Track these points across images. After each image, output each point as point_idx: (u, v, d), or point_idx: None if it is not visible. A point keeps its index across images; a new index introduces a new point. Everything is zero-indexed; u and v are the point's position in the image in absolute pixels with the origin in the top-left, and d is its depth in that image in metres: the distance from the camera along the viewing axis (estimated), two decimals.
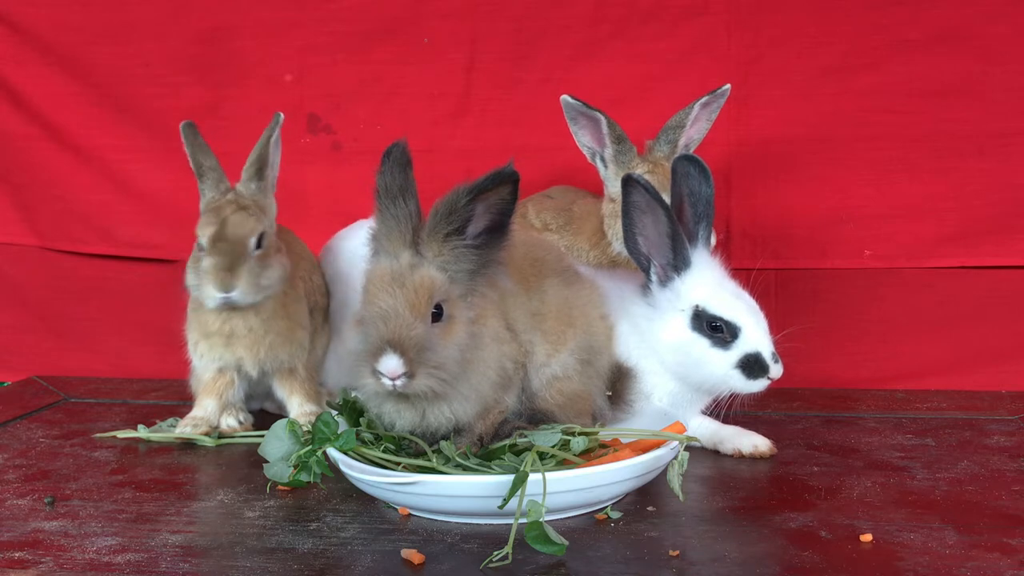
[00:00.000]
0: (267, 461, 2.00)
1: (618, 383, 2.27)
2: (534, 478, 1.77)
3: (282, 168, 2.56)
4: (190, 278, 2.42)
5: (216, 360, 2.51)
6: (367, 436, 2.03)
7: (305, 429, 2.01)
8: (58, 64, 3.27)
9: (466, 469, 1.92)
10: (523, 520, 1.73)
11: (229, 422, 2.56)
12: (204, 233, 2.38)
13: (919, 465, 2.22)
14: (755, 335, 2.24)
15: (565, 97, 2.54)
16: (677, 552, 1.74)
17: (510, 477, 1.78)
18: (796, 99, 3.01)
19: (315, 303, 2.68)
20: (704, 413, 2.40)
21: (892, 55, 2.96)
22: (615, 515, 1.92)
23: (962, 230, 2.97)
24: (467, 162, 3.02)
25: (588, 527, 1.88)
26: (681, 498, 1.89)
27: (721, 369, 2.25)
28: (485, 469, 1.91)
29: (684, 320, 2.28)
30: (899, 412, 2.69)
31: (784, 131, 3.02)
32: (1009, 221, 2.94)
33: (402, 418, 1.96)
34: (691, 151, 2.58)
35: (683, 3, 3.04)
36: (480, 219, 1.90)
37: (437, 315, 1.89)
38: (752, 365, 2.23)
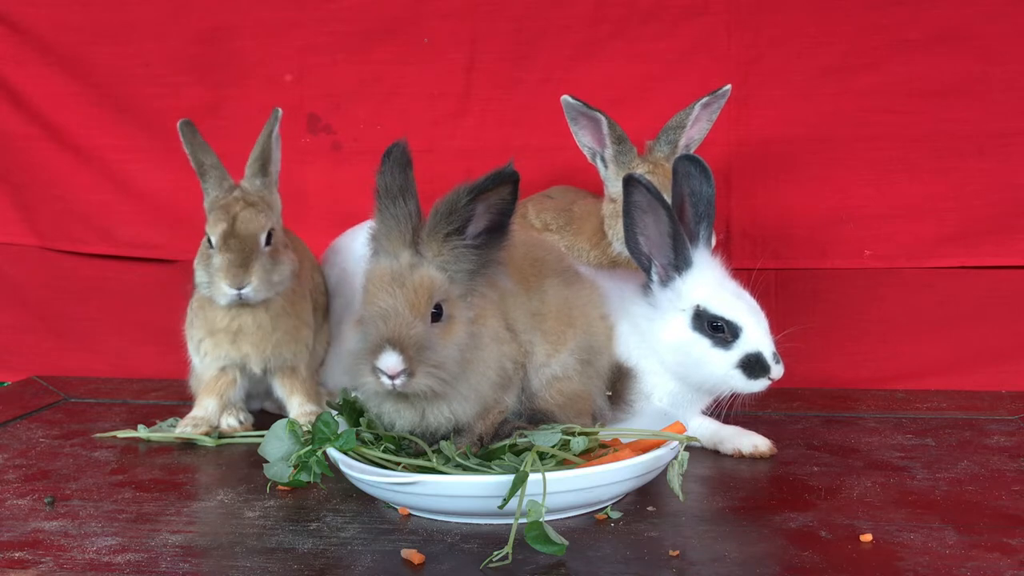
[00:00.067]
0: (267, 461, 2.00)
1: (618, 383, 2.27)
2: (534, 478, 1.77)
3: (282, 168, 2.56)
4: (200, 275, 2.42)
5: (220, 358, 2.51)
6: (367, 436, 2.03)
7: (305, 429, 2.01)
8: (58, 64, 3.27)
9: (466, 469, 1.92)
10: (523, 520, 1.73)
11: (229, 422, 2.56)
12: (215, 230, 2.38)
13: (919, 465, 2.22)
14: (756, 335, 2.24)
15: (566, 97, 2.54)
16: (677, 552, 1.74)
17: (510, 477, 1.78)
18: (796, 99, 3.01)
19: (316, 302, 2.69)
20: (704, 413, 2.40)
21: (892, 55, 2.96)
22: (615, 515, 1.92)
23: (962, 230, 2.97)
24: (467, 162, 3.03)
25: (588, 527, 1.88)
26: (681, 498, 1.89)
27: (722, 369, 2.25)
28: (485, 469, 1.91)
29: (685, 320, 2.28)
30: (899, 412, 2.69)
31: (784, 131, 3.02)
32: (1009, 221, 2.94)
33: (402, 418, 1.96)
34: (691, 151, 2.57)
35: (683, 3, 3.04)
36: (480, 219, 1.90)
37: (437, 315, 1.89)
38: (753, 365, 2.23)
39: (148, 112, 3.25)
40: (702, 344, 2.26)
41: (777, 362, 2.24)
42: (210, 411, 2.53)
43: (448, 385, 1.90)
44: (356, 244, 2.68)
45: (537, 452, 1.89)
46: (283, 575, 1.68)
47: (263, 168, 2.48)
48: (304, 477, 1.96)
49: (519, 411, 2.11)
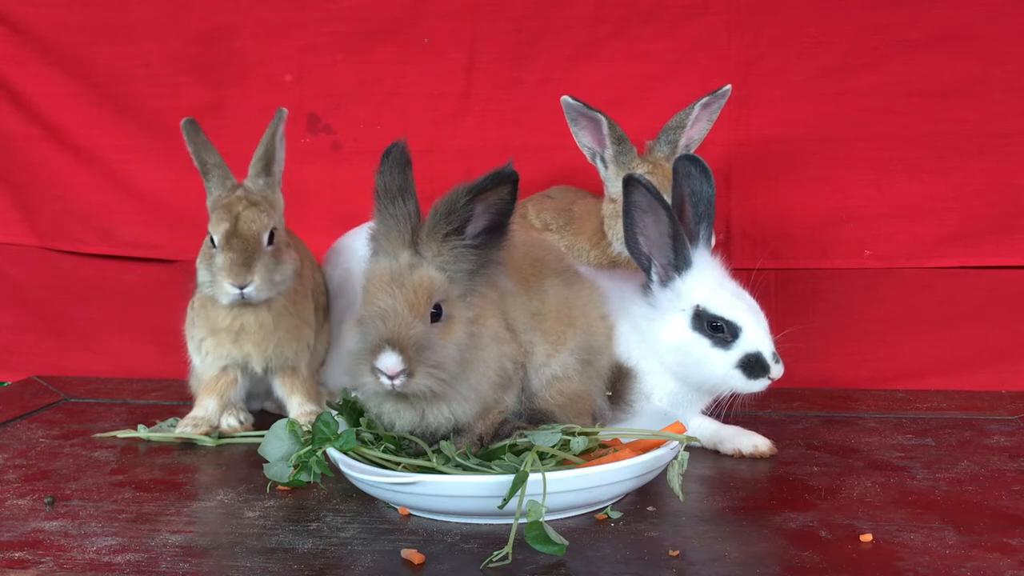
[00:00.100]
0: (267, 461, 2.00)
1: (618, 383, 2.27)
2: (534, 478, 1.77)
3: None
4: (202, 275, 2.42)
5: (222, 357, 2.52)
6: (367, 436, 2.03)
7: (305, 429, 2.01)
8: (58, 64, 3.27)
9: (466, 469, 1.92)
10: (523, 520, 1.73)
11: (229, 422, 2.56)
12: (217, 230, 2.38)
13: (919, 465, 2.22)
14: (756, 335, 2.24)
15: (566, 98, 2.54)
16: (677, 552, 1.74)
17: (510, 477, 1.78)
18: (796, 99, 3.01)
19: (317, 302, 2.69)
20: (704, 413, 2.40)
21: (892, 55, 2.96)
22: (615, 515, 1.92)
23: (962, 230, 2.97)
24: (467, 162, 3.02)
25: (588, 527, 1.88)
26: (681, 498, 1.89)
27: (722, 369, 2.25)
28: (485, 469, 1.91)
29: (685, 320, 2.28)
30: (899, 412, 2.69)
31: (784, 131, 3.02)
32: (1009, 221, 2.94)
33: (402, 418, 1.96)
34: (691, 151, 2.58)
35: (683, 3, 3.04)
36: (480, 219, 1.90)
37: (436, 315, 1.89)
38: (753, 365, 2.23)
39: (148, 112, 3.25)
40: (702, 344, 2.26)
41: (777, 362, 2.24)
42: (210, 411, 2.53)
43: (448, 385, 1.90)
44: (359, 244, 2.68)
45: (537, 452, 1.89)
46: (283, 575, 1.68)
47: (267, 168, 2.49)
48: (304, 477, 1.96)
49: (519, 411, 2.11)
